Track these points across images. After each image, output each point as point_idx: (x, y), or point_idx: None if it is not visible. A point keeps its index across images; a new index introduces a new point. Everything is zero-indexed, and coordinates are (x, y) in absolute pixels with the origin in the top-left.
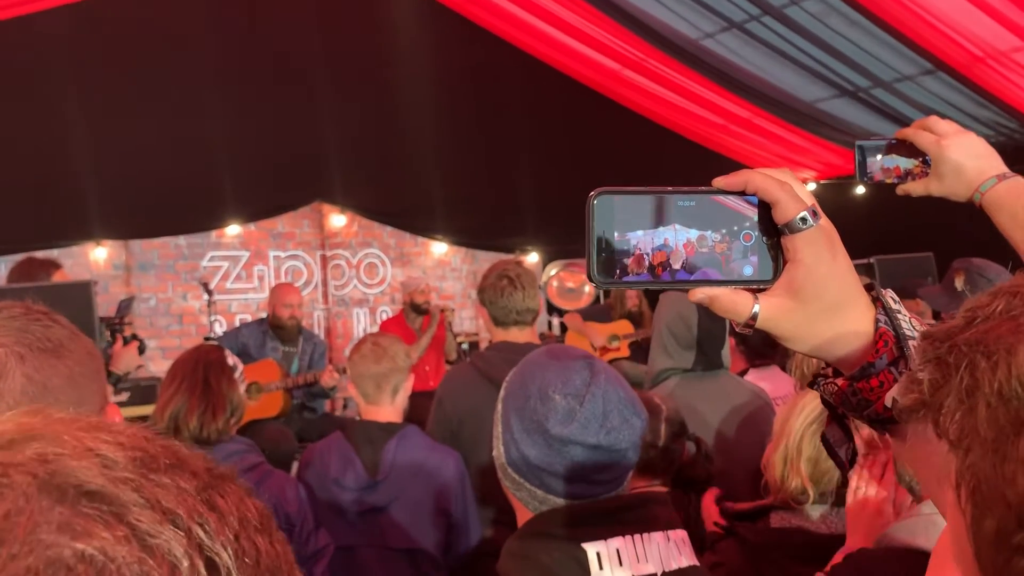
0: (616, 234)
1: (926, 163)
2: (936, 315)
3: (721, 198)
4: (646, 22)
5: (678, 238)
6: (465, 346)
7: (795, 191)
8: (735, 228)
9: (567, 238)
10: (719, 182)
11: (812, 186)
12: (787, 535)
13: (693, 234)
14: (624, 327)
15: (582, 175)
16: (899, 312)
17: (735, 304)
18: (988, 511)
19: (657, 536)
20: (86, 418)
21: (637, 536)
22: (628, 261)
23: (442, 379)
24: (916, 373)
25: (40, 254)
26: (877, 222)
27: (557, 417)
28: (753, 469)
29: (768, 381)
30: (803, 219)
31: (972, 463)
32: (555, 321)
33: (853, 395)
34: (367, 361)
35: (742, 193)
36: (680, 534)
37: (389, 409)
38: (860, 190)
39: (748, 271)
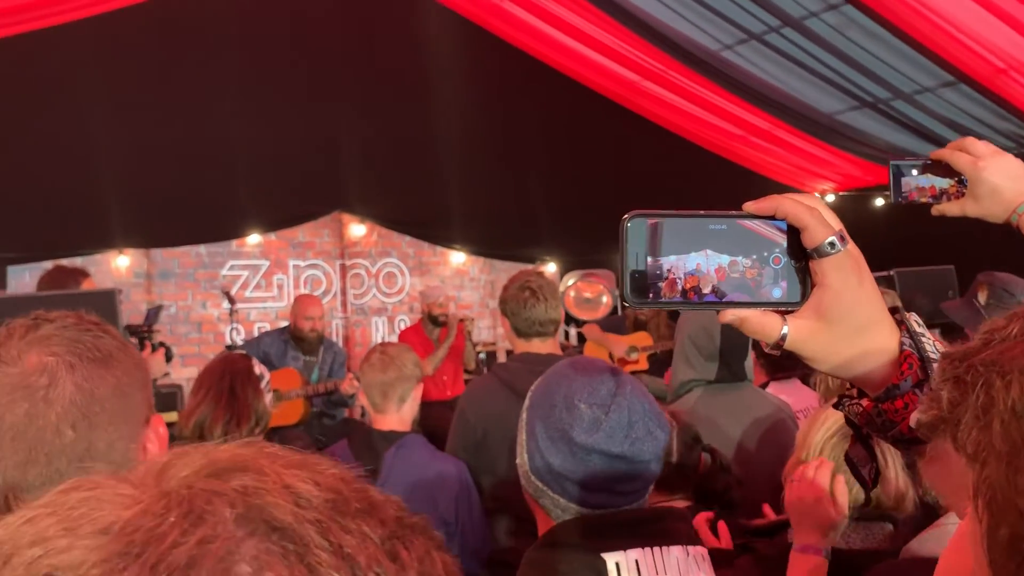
0: (649, 258)
1: (962, 183)
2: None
3: (750, 223)
4: (666, 34)
5: (709, 263)
6: (483, 356)
7: (823, 217)
8: (764, 253)
9: (585, 248)
10: (749, 207)
11: (831, 198)
12: None
13: (724, 259)
14: (643, 339)
15: (600, 186)
16: (923, 335)
17: (764, 326)
18: (1002, 520)
19: (676, 550)
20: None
21: (656, 548)
22: (662, 285)
23: (465, 390)
24: (936, 391)
25: (64, 262)
26: (897, 234)
27: (583, 426)
28: (776, 482)
29: (789, 394)
30: (831, 244)
31: (988, 475)
32: (572, 331)
33: (878, 416)
34: (374, 370)
35: (772, 217)
36: (700, 550)
37: (395, 418)
38: (879, 202)
39: (777, 293)
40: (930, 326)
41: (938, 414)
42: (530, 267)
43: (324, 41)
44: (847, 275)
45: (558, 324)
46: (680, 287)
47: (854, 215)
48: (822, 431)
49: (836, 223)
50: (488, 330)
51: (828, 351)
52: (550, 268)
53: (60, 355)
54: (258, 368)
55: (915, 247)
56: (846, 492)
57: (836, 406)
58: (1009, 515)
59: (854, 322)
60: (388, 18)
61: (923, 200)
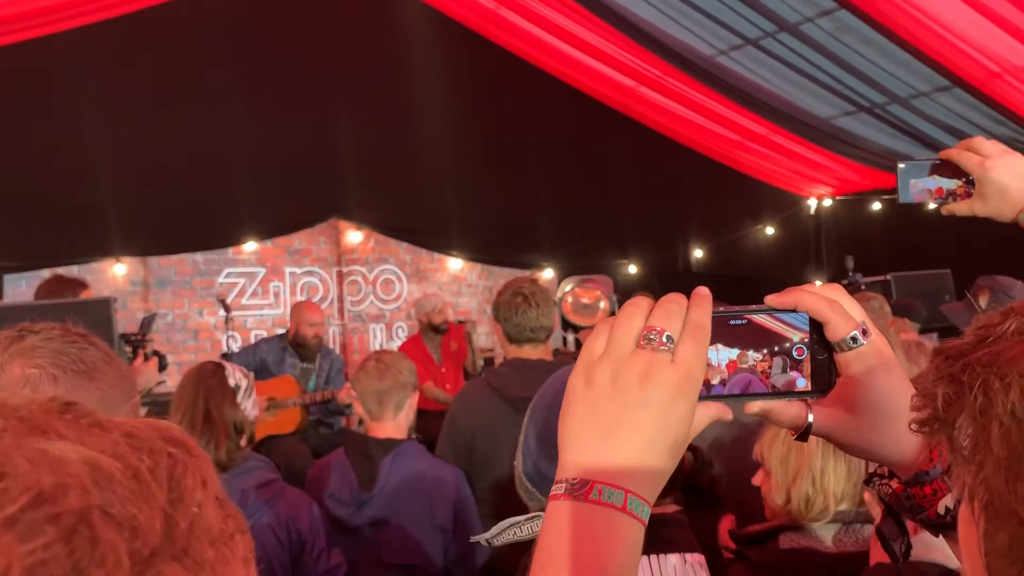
0: None
1: (970, 183)
2: (952, 332)
3: (762, 320)
4: (661, 39)
5: (720, 357)
6: (481, 362)
7: (845, 310)
8: (776, 348)
9: (583, 254)
10: (771, 300)
11: (828, 202)
12: (796, 556)
13: (734, 353)
14: None
15: (598, 192)
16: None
17: (789, 416)
18: (1001, 526)
19: (674, 558)
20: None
21: (653, 556)
22: None
23: (456, 395)
24: (930, 389)
25: (60, 270)
26: (894, 239)
27: None
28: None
29: None
30: (853, 338)
31: (985, 478)
32: (570, 337)
33: (907, 499)
34: (370, 378)
35: (793, 310)
36: (698, 558)
37: (391, 425)
38: (876, 206)
39: (801, 383)
40: (928, 330)
41: (932, 413)
42: (526, 273)
43: (321, 48)
44: (872, 367)
45: (550, 331)
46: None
47: (851, 219)
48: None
49: (859, 314)
50: (486, 336)
51: (858, 438)
52: (548, 274)
53: (44, 367)
54: (233, 378)
55: (911, 251)
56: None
57: (866, 483)
58: (1008, 522)
59: (881, 411)
60: (385, 25)
61: (930, 201)
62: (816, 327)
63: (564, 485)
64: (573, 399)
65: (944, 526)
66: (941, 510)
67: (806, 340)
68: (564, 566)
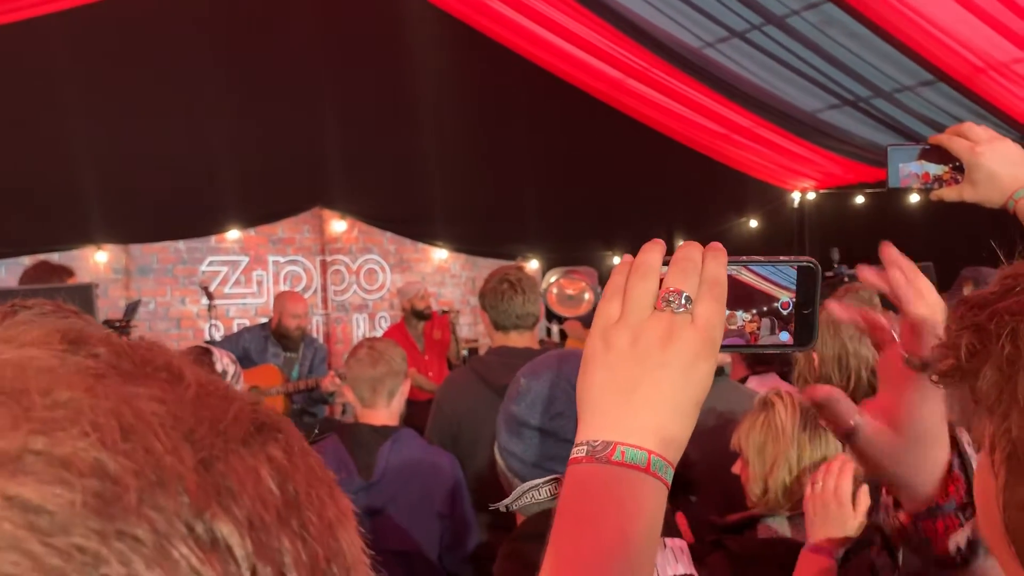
0: None
1: (957, 169)
2: None
3: (745, 278)
4: (648, 31)
5: None
6: (465, 352)
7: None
8: (764, 308)
9: (568, 245)
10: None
11: (812, 195)
12: (773, 545)
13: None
14: None
15: (583, 183)
16: (973, 457)
17: (838, 415)
18: (1022, 478)
19: None
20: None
21: None
22: None
23: (441, 383)
24: (954, 339)
25: (42, 257)
26: (877, 231)
27: (514, 397)
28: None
29: (766, 388)
30: (925, 365)
31: (1008, 429)
32: (555, 328)
33: (915, 532)
34: (363, 365)
35: (786, 262)
36: (678, 542)
37: (385, 412)
38: (860, 199)
39: (784, 337)
40: None
41: (955, 363)
42: (512, 263)
43: (304, 36)
44: (929, 391)
45: (536, 318)
46: None
47: (834, 213)
48: (791, 429)
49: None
50: (469, 327)
51: (892, 457)
52: (532, 265)
53: None
54: (219, 364)
55: (895, 244)
56: (868, 501)
57: (871, 514)
58: None
59: (926, 436)
60: (370, 13)
61: (917, 186)
62: (804, 280)
63: (585, 447)
64: (592, 363)
65: (950, 563)
66: (951, 547)
67: (792, 294)
68: (586, 530)
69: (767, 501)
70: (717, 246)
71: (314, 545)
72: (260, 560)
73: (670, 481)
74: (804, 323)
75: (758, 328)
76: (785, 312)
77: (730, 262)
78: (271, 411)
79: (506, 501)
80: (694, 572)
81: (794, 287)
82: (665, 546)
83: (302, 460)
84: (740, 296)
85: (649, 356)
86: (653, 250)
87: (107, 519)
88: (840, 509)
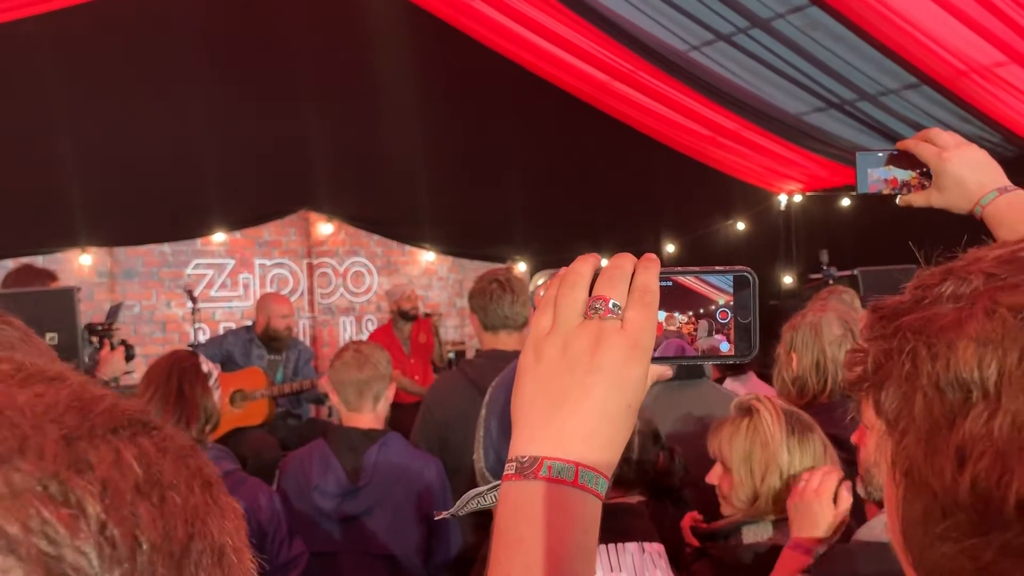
0: None
1: (924, 175)
2: None
3: (688, 282)
4: (634, 34)
5: None
6: (451, 355)
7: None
8: (701, 311)
9: (555, 248)
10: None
11: (799, 198)
12: (759, 552)
13: (661, 316)
14: None
15: (570, 185)
16: None
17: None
18: (918, 495)
19: (632, 547)
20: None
21: (611, 545)
22: None
23: (430, 386)
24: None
25: (25, 261)
26: (862, 234)
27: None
28: None
29: (745, 389)
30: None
31: (906, 447)
32: None
33: None
34: (349, 368)
35: (724, 272)
36: (656, 547)
37: (371, 416)
38: (846, 202)
39: (725, 347)
40: None
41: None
42: (501, 266)
43: (290, 38)
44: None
45: (525, 319)
46: None
47: (820, 215)
48: (781, 436)
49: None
50: (455, 330)
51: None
52: (520, 267)
53: None
54: (206, 366)
55: (879, 247)
56: (850, 500)
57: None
58: (924, 493)
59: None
60: (356, 16)
61: (886, 192)
62: (740, 290)
63: (515, 464)
64: (523, 376)
65: None
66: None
67: (730, 303)
68: (516, 552)
69: (757, 508)
70: (650, 256)
71: (174, 520)
72: (111, 519)
73: (603, 491)
74: (743, 333)
75: (695, 330)
76: (723, 321)
77: (663, 272)
78: (152, 415)
79: (452, 509)
80: None
81: (731, 296)
82: (644, 551)
83: (177, 455)
84: (678, 300)
85: (579, 364)
86: (584, 261)
87: None
88: (821, 507)
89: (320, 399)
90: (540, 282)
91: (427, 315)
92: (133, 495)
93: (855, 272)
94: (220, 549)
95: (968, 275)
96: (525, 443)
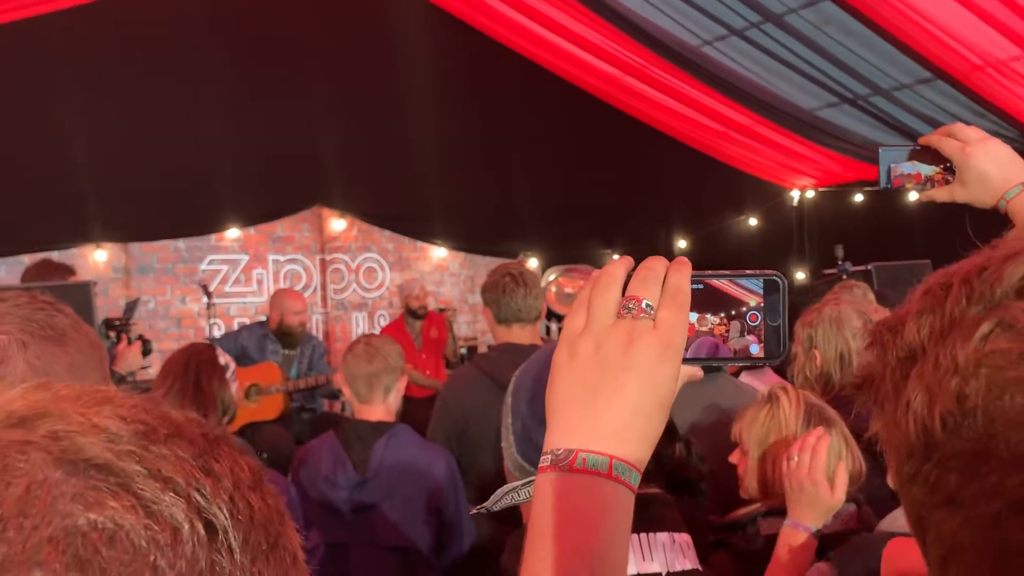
0: None
1: (948, 170)
2: None
3: (721, 285)
4: (647, 29)
5: None
6: (464, 351)
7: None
8: (732, 312)
9: (566, 243)
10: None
11: (811, 193)
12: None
13: (693, 317)
14: None
15: (582, 181)
16: None
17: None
18: (893, 453)
19: (663, 537)
20: (91, 392)
21: (643, 534)
22: None
23: (446, 380)
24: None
25: (40, 256)
26: (876, 229)
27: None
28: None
29: (761, 382)
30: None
31: (897, 461)
32: (554, 326)
33: None
34: (360, 361)
35: (756, 276)
36: (685, 538)
37: (381, 408)
38: (858, 197)
39: (755, 349)
40: None
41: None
42: (513, 261)
43: (304, 35)
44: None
45: (539, 312)
46: None
47: (833, 210)
48: (801, 425)
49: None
50: (467, 325)
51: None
52: (532, 263)
53: (12, 333)
54: (223, 358)
55: (893, 242)
56: (846, 478)
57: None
58: (897, 450)
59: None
60: (367, 12)
61: (909, 186)
62: (770, 293)
63: (549, 457)
64: (557, 373)
65: None
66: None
67: (760, 306)
68: (550, 544)
69: (774, 497)
70: (682, 259)
71: (271, 515)
72: (236, 495)
73: (636, 484)
74: (773, 335)
75: (727, 331)
76: (754, 323)
77: (695, 275)
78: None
79: (487, 503)
80: (699, 568)
81: (761, 298)
82: (674, 541)
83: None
84: (709, 302)
85: (611, 361)
86: (618, 263)
87: (144, 448)
88: (816, 490)
89: (335, 394)
90: (552, 278)
91: (441, 310)
92: (246, 488)
93: (869, 267)
94: (294, 554)
95: (937, 305)
96: (560, 437)
